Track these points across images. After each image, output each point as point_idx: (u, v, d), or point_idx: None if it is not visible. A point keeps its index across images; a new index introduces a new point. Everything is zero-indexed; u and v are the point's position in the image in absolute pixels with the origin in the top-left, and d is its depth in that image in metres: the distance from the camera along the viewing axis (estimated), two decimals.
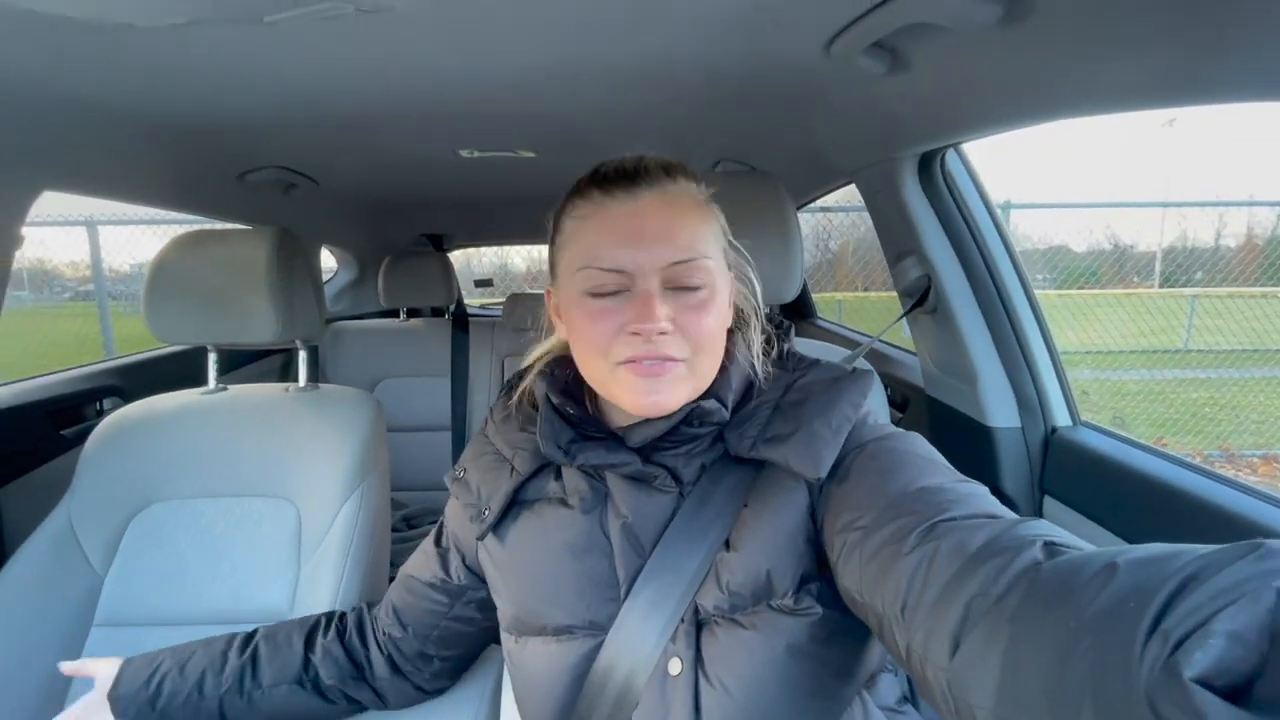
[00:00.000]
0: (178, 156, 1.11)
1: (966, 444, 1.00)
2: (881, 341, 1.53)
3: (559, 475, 0.59)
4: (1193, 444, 4.68)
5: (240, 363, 1.71)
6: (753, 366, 0.56)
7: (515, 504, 0.59)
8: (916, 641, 0.37)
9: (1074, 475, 0.89)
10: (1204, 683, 0.22)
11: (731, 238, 0.57)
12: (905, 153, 0.95)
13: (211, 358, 1.02)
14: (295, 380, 1.04)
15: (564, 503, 0.57)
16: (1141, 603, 0.25)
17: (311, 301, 1.01)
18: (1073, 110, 0.62)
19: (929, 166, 0.98)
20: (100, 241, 4.75)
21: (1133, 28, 0.50)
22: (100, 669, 0.69)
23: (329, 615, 0.73)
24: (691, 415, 0.53)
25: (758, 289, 0.60)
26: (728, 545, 0.51)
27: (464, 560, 0.65)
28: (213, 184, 1.29)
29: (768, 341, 0.59)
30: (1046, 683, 0.28)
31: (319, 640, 0.69)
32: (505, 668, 0.75)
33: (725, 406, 0.53)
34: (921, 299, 1.03)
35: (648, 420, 0.53)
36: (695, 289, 0.51)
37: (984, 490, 0.46)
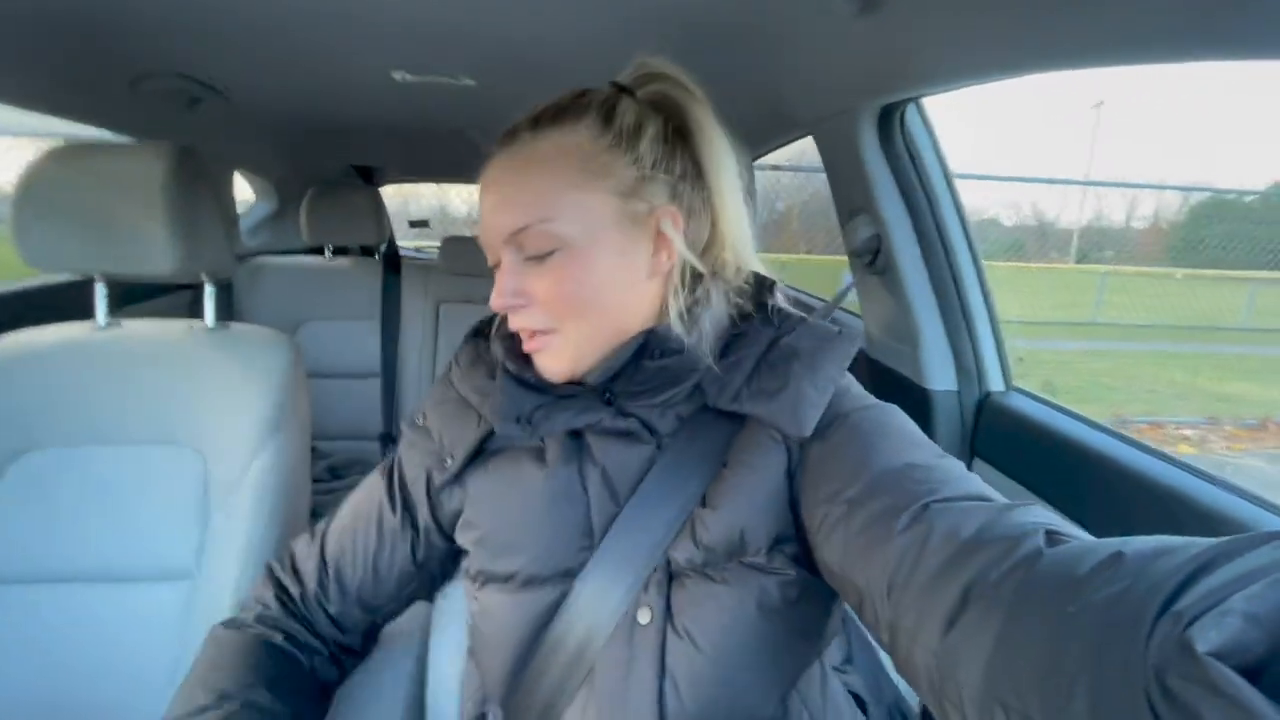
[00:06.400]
0: (55, 52, 0.95)
1: (904, 406, 1.02)
2: (825, 302, 1.54)
3: None
4: (1093, 410, 5.08)
5: (138, 298, 1.55)
6: (731, 315, 0.54)
7: (482, 452, 0.56)
8: (906, 622, 0.36)
9: (1004, 439, 0.92)
10: (1217, 659, 0.21)
11: (651, 172, 0.50)
12: (867, 104, 0.92)
13: (99, 290, 0.91)
14: (202, 319, 0.94)
15: (539, 452, 0.54)
16: (1152, 587, 0.25)
17: (219, 231, 0.90)
18: (1049, 64, 0.61)
19: (889, 122, 0.96)
20: None
21: None
22: None
23: (262, 625, 0.60)
24: (646, 347, 0.51)
25: (728, 215, 0.55)
26: (704, 501, 0.51)
27: (435, 516, 0.60)
28: (99, 89, 1.12)
29: (753, 291, 0.56)
30: (1039, 663, 0.28)
31: (306, 661, 0.59)
32: (440, 609, 0.72)
33: (685, 337, 0.51)
34: (872, 260, 1.03)
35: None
36: (543, 256, 0.49)
37: (964, 466, 0.46)
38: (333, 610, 0.60)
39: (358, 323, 1.89)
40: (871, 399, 0.54)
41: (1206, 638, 0.22)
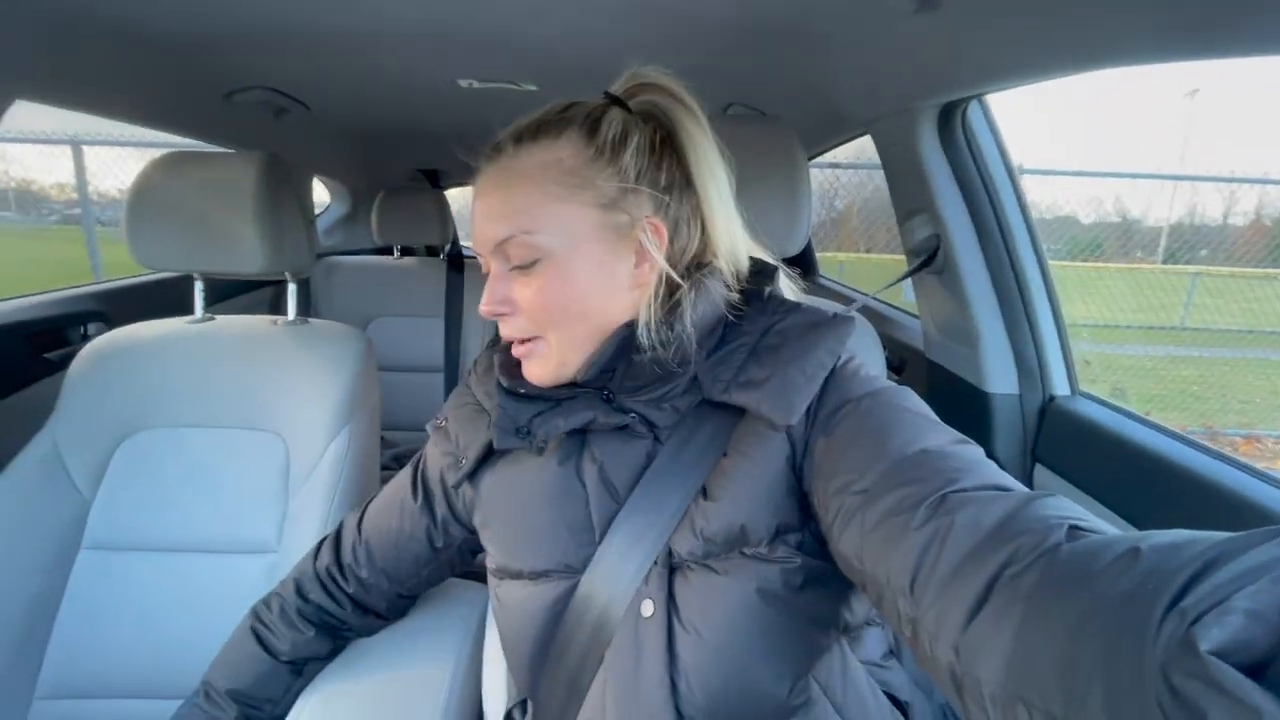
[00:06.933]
0: (161, 70, 1.05)
1: (963, 409, 1.00)
2: (883, 302, 1.51)
3: None
4: (1177, 420, 4.74)
5: (228, 294, 1.68)
6: (728, 306, 0.53)
7: (492, 453, 0.58)
8: (927, 618, 0.36)
9: (1068, 445, 0.89)
10: (1220, 657, 0.21)
11: (635, 184, 0.50)
12: (926, 103, 0.91)
13: (198, 286, 0.99)
14: (284, 314, 1.02)
15: (540, 451, 0.57)
16: (1159, 584, 0.25)
17: (301, 232, 0.98)
18: (1115, 59, 0.58)
19: (949, 119, 0.94)
20: (87, 164, 4.59)
21: None
22: None
23: (267, 608, 0.71)
24: (628, 342, 0.52)
25: (718, 225, 0.55)
26: (705, 493, 0.51)
27: (452, 510, 0.65)
28: (198, 102, 1.22)
29: (751, 278, 0.56)
30: (1057, 662, 0.28)
31: (286, 642, 0.69)
32: (490, 604, 0.76)
33: (654, 345, 0.51)
34: (929, 259, 1.00)
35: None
36: (527, 266, 0.50)
37: (981, 452, 0.45)
38: (362, 574, 0.68)
39: (423, 319, 1.98)
40: (881, 381, 0.52)
41: (1209, 635, 0.22)
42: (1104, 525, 0.34)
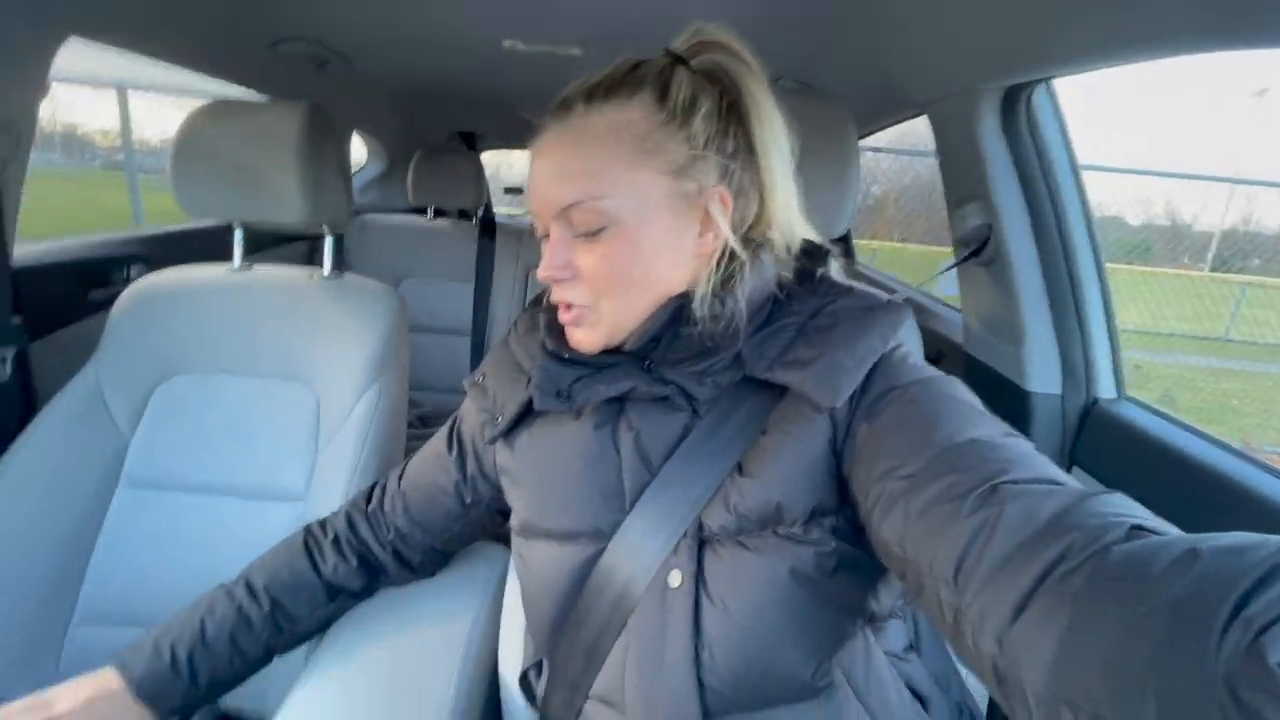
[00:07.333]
0: (209, 13, 1.05)
1: (999, 406, 0.97)
2: (923, 293, 1.47)
3: None
4: (1212, 433, 4.59)
5: (265, 245, 1.70)
6: (777, 285, 0.53)
7: (529, 413, 0.58)
8: (972, 611, 0.34)
9: (1109, 450, 0.86)
10: None
11: (704, 150, 0.49)
12: (990, 85, 0.87)
13: (238, 235, 1.00)
14: (320, 267, 1.02)
15: (578, 415, 0.56)
16: (1222, 590, 0.24)
17: (340, 186, 0.98)
18: (1209, 43, 0.55)
19: (1013, 104, 0.89)
20: (131, 111, 4.65)
21: None
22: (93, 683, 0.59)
23: (321, 530, 0.72)
24: (679, 314, 0.51)
25: (777, 197, 0.53)
26: (741, 469, 0.50)
27: (481, 467, 0.66)
28: (244, 49, 1.22)
29: (801, 257, 0.55)
30: (1107, 665, 0.27)
31: (330, 563, 0.69)
32: (512, 562, 0.77)
33: (710, 316, 0.50)
34: (979, 249, 0.97)
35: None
36: (593, 232, 0.49)
37: (1031, 446, 0.43)
38: (399, 524, 0.69)
39: (453, 283, 1.99)
40: (931, 370, 0.51)
41: (1278, 646, 0.21)
42: (1167, 526, 0.32)
